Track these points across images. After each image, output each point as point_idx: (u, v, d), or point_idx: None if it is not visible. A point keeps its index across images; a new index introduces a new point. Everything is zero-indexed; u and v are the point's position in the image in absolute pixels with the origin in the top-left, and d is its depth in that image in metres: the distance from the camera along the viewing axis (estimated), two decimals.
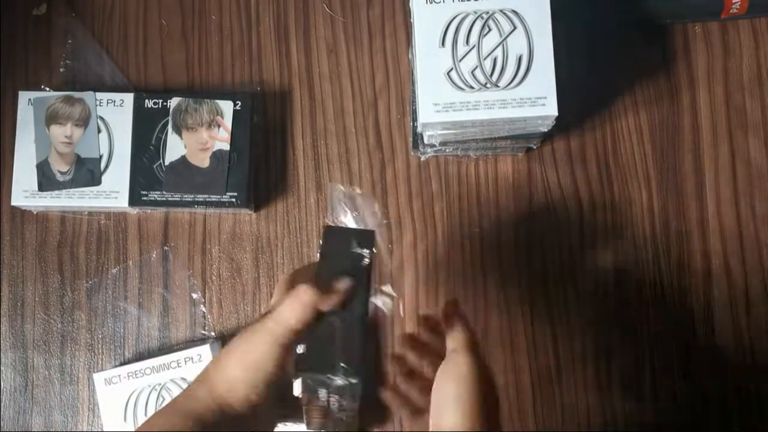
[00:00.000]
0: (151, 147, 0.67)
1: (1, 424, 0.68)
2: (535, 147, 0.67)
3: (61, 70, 0.71)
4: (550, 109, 0.56)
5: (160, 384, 0.65)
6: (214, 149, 0.67)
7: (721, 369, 0.66)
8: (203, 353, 0.65)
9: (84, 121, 0.68)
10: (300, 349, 0.45)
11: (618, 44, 0.71)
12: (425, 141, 0.63)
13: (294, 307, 0.44)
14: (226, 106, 0.67)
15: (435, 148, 0.65)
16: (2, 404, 0.68)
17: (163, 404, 0.51)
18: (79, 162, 0.67)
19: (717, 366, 0.66)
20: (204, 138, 0.67)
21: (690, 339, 0.67)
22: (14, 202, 0.67)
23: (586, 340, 0.67)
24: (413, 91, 0.63)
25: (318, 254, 0.48)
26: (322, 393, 0.45)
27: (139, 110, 0.68)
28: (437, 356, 0.50)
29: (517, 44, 0.56)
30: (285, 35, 0.72)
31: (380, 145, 0.70)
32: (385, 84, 0.71)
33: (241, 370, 0.45)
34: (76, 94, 0.68)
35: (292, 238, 0.70)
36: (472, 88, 0.56)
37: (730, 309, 0.67)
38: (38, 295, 0.69)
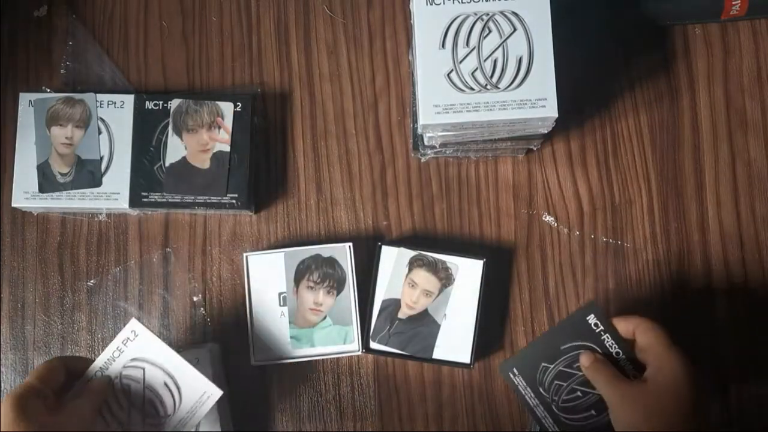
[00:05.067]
0: (152, 148, 0.67)
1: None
2: (535, 148, 0.67)
3: (62, 71, 0.72)
4: (550, 110, 0.56)
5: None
6: (215, 150, 0.67)
7: (721, 370, 0.66)
8: (201, 356, 0.65)
9: (84, 123, 0.68)
10: None
11: (618, 45, 0.71)
12: (425, 142, 0.63)
13: None
14: (227, 108, 0.67)
15: (435, 150, 0.65)
16: None
17: None
18: (80, 163, 0.67)
19: (717, 367, 0.66)
20: (204, 139, 0.67)
21: (690, 340, 0.67)
22: (15, 204, 0.67)
23: None
24: (413, 93, 0.63)
25: None
26: None
27: (139, 112, 0.68)
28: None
29: (517, 46, 0.56)
30: (285, 37, 0.72)
31: (380, 147, 0.70)
32: (385, 85, 0.71)
33: None
34: (77, 96, 0.68)
35: (292, 240, 0.70)
36: (472, 89, 0.56)
37: (730, 310, 0.67)
38: (38, 296, 0.69)
